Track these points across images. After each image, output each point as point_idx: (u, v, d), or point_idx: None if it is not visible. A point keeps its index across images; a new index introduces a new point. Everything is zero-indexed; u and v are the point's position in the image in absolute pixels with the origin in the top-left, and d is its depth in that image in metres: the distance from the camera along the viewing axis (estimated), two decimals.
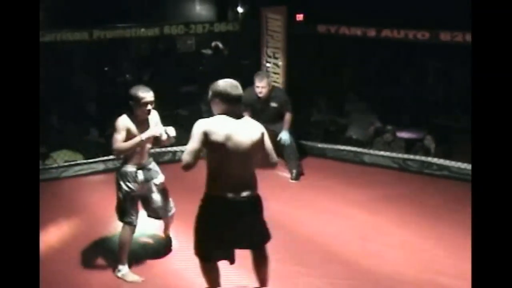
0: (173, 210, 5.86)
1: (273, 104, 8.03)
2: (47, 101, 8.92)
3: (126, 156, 5.51)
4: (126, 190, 5.49)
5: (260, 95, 7.91)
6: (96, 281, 5.47)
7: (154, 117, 5.60)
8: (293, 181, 8.05)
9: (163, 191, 5.76)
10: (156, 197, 5.70)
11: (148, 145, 5.59)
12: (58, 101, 9.51)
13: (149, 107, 5.46)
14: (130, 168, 5.51)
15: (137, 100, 5.33)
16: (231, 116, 4.57)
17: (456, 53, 8.81)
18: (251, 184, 4.60)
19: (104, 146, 8.72)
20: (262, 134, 4.62)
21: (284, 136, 7.99)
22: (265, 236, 4.84)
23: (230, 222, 4.51)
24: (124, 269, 5.47)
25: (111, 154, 8.34)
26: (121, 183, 5.51)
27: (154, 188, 5.68)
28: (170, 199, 5.83)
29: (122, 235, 5.52)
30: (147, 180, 5.61)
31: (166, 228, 6.14)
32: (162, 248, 6.08)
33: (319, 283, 5.42)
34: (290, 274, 5.55)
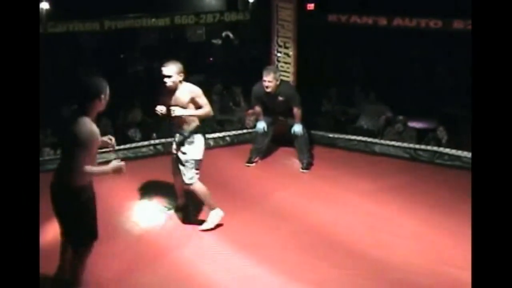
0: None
1: (280, 98, 7.95)
2: (58, 92, 8.95)
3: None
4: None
5: (267, 89, 7.84)
6: (109, 269, 5.50)
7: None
8: (304, 171, 8.05)
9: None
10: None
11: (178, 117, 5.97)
12: (70, 92, 9.53)
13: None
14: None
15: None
16: None
17: (469, 41, 8.73)
18: None
19: (115, 136, 8.73)
20: None
21: (297, 128, 8.02)
22: None
23: None
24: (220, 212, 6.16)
25: (121, 144, 8.44)
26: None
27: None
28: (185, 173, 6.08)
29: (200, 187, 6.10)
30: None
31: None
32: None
33: (328, 273, 5.42)
34: (299, 264, 5.55)
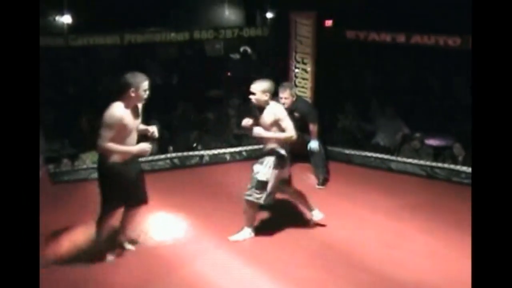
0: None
1: (296, 114, 7.80)
2: (77, 103, 9.03)
3: None
4: None
5: (284, 106, 7.81)
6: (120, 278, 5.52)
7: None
8: (320, 187, 8.04)
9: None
10: None
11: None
12: (89, 103, 9.62)
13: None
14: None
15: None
16: None
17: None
18: None
19: None
20: None
21: (313, 144, 8.00)
22: None
23: None
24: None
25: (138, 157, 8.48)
26: None
27: None
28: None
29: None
30: None
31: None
32: None
33: None
34: (314, 281, 5.53)
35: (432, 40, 8.36)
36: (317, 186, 8.08)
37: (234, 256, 5.95)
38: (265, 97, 5.92)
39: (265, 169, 6.01)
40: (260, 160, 6.14)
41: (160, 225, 6.70)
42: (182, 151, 8.84)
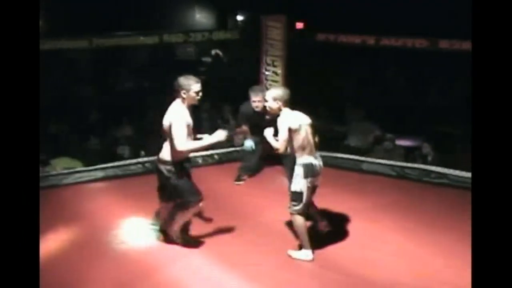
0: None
1: (268, 117, 7.88)
2: (47, 108, 8.94)
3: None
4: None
5: (256, 109, 7.85)
6: (94, 283, 5.48)
7: None
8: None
9: None
10: None
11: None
12: (58, 108, 9.54)
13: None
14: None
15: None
16: None
17: (455, 61, 8.87)
18: None
19: (104, 154, 8.74)
20: None
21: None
22: None
23: None
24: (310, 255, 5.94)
25: (110, 161, 8.43)
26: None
27: None
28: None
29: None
30: None
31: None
32: None
33: None
34: (290, 282, 5.55)
35: (400, 42, 8.46)
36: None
37: (209, 260, 5.93)
38: (276, 104, 5.87)
39: (296, 180, 5.88)
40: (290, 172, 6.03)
41: (133, 230, 6.66)
42: (154, 155, 8.78)
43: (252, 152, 8.24)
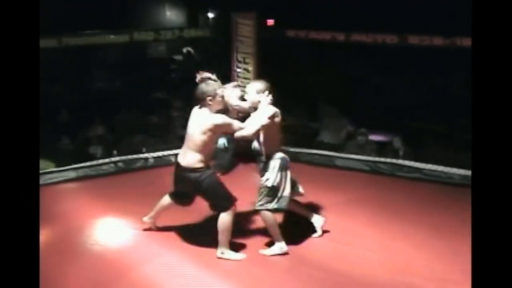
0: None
1: (240, 114, 7.88)
2: None
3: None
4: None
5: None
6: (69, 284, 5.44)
7: None
8: None
9: None
10: None
11: None
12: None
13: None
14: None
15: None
16: None
17: (427, 56, 8.97)
18: None
19: (75, 154, 8.66)
20: None
21: (257, 144, 7.96)
22: None
23: None
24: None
25: (82, 161, 8.36)
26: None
27: None
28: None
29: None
30: None
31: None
32: None
33: (292, 286, 5.44)
34: (264, 278, 5.56)
35: (370, 38, 8.51)
36: None
37: (184, 258, 5.92)
38: (258, 97, 5.86)
39: (272, 174, 5.90)
40: (263, 167, 6.01)
41: (106, 229, 6.61)
42: (127, 154, 8.74)
43: (225, 150, 8.21)
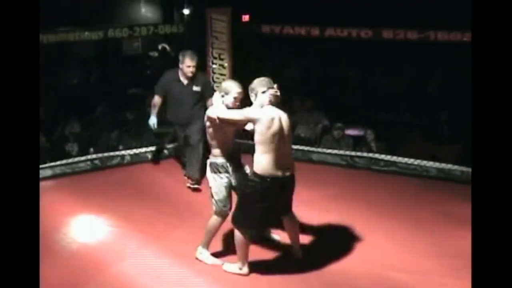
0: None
1: (196, 88, 7.52)
2: None
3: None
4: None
5: (190, 74, 7.44)
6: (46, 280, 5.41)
7: None
8: (196, 185, 7.64)
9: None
10: None
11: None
12: None
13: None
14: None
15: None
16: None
17: (399, 49, 9.04)
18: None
19: (52, 152, 8.60)
20: None
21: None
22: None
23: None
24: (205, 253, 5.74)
25: (58, 159, 8.29)
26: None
27: None
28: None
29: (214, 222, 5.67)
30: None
31: None
32: None
33: (270, 280, 5.46)
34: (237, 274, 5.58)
35: (345, 33, 8.55)
36: (192, 185, 7.62)
37: (160, 255, 5.91)
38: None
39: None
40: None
41: (83, 227, 6.59)
42: (103, 151, 8.70)
43: (157, 132, 7.88)
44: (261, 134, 5.15)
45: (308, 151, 8.95)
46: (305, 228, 6.37)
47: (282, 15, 9.16)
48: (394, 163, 8.37)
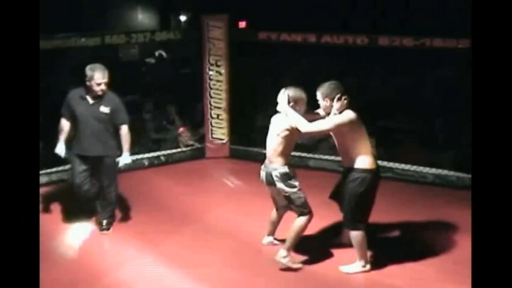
0: None
1: (104, 109, 6.39)
2: None
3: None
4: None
5: (100, 92, 6.36)
6: None
7: None
8: (105, 231, 6.62)
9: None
10: None
11: None
12: None
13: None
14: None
15: None
16: None
17: (396, 56, 9.05)
18: None
19: (47, 158, 8.57)
20: None
21: (126, 159, 6.69)
22: None
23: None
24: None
25: (55, 166, 8.27)
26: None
27: None
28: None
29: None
30: None
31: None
32: None
33: (265, 283, 5.48)
34: (238, 278, 5.57)
35: (341, 40, 8.58)
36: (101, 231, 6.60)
37: (155, 262, 5.91)
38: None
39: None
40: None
41: (80, 234, 6.58)
42: None
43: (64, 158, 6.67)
44: (355, 132, 5.59)
45: (305, 157, 8.96)
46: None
47: (278, 22, 9.17)
48: (391, 169, 8.38)
